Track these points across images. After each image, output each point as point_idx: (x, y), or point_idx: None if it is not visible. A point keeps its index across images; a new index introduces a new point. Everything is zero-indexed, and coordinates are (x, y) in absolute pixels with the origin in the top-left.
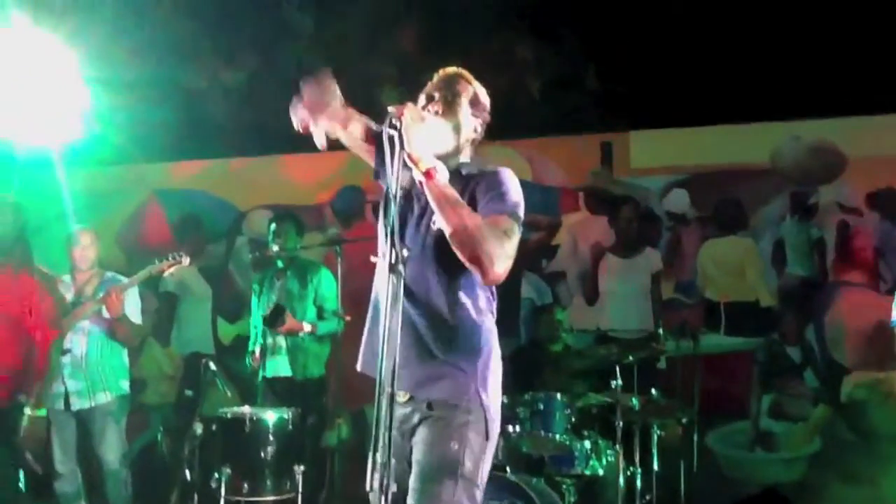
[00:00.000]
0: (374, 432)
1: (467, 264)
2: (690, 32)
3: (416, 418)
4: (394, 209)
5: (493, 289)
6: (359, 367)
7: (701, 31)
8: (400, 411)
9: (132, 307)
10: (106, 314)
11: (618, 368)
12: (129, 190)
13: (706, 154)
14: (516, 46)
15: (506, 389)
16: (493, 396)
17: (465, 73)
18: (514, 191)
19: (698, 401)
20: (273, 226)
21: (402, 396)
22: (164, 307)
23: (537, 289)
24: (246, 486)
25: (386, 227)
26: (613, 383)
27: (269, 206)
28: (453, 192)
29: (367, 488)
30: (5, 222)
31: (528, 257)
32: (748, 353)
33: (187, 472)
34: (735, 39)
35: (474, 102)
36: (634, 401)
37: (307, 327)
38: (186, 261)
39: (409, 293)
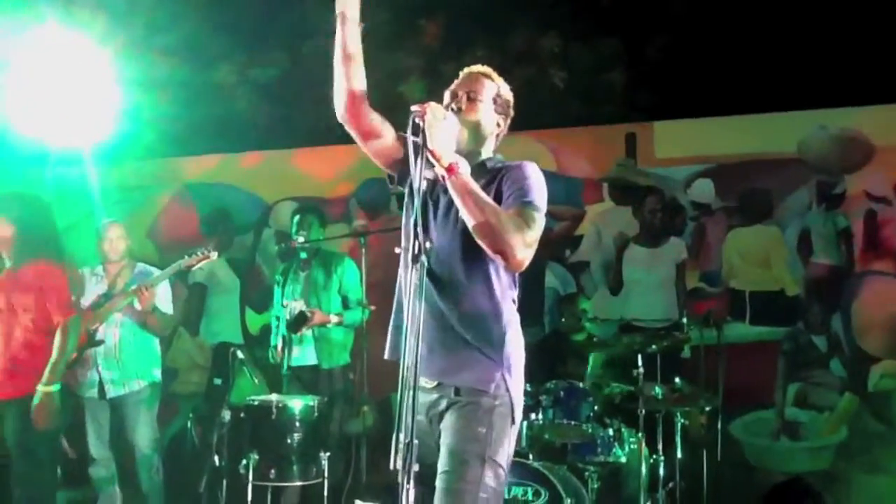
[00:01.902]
0: (397, 415)
1: (491, 254)
2: (715, 22)
3: (443, 404)
4: (417, 203)
5: (516, 277)
6: (386, 355)
7: (726, 21)
8: (428, 397)
9: (163, 298)
10: (137, 306)
11: (640, 357)
12: (160, 184)
13: (731, 144)
14: (541, 38)
15: (529, 378)
16: (518, 382)
17: (489, 70)
18: (538, 183)
19: (723, 390)
20: (296, 218)
21: (429, 383)
22: (194, 298)
23: (561, 279)
24: (273, 471)
25: (409, 221)
26: (635, 372)
27: (296, 198)
28: (475, 186)
29: (391, 467)
30: (38, 220)
31: (552, 247)
32: (774, 342)
33: (216, 458)
34: (761, 29)
35: (497, 100)
36: (658, 389)
37: (334, 319)
38: (214, 255)
39: (436, 283)
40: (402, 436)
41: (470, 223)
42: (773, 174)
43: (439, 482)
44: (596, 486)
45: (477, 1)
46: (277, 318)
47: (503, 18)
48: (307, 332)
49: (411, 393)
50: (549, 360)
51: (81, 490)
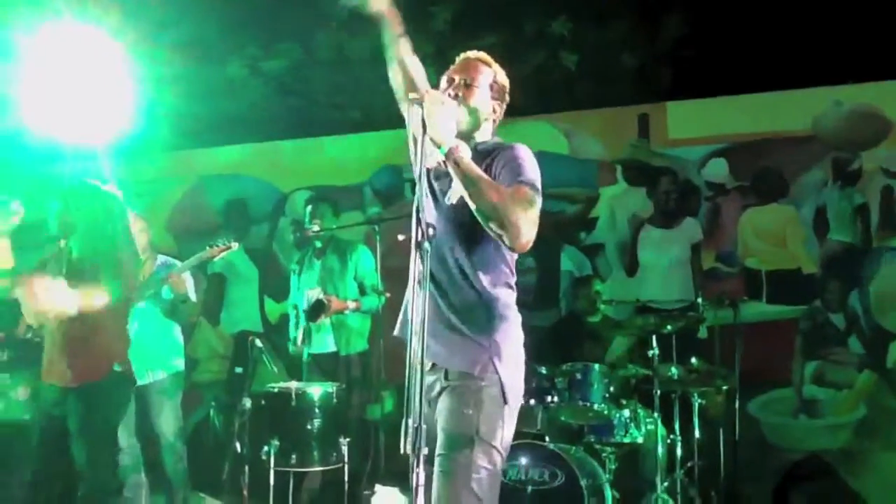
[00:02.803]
0: (405, 400)
1: (495, 235)
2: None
3: (438, 387)
4: (419, 190)
5: (513, 264)
6: (395, 332)
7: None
8: (427, 380)
9: (189, 287)
10: (166, 295)
11: (654, 338)
12: (176, 177)
13: (745, 123)
14: (552, 22)
15: (545, 360)
16: (510, 365)
17: (485, 56)
18: (531, 164)
19: (740, 369)
20: (309, 207)
21: (428, 366)
22: (213, 288)
23: (576, 261)
24: (294, 457)
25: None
26: (650, 353)
27: (311, 187)
28: (476, 169)
29: (402, 451)
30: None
31: (566, 230)
32: (791, 321)
33: (238, 445)
34: (773, 6)
35: (493, 86)
36: (674, 370)
37: (352, 304)
38: (236, 245)
39: (431, 269)
40: (410, 420)
41: (473, 205)
42: (787, 152)
43: (435, 464)
44: (613, 466)
45: None
46: (295, 307)
47: (514, 2)
48: (325, 321)
49: (417, 378)
50: (564, 342)
51: None
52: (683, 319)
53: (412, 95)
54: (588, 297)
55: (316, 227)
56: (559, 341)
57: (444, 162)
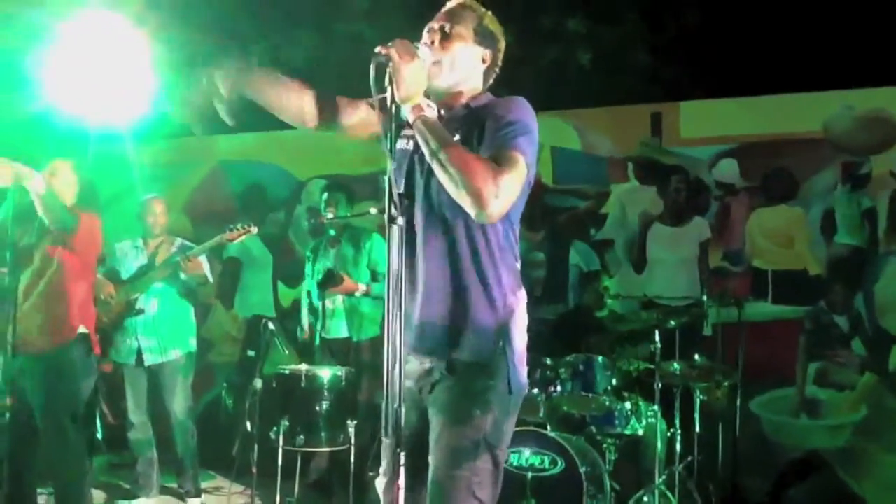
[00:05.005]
0: (385, 385)
1: (459, 202)
2: (741, 2)
3: (436, 375)
4: (390, 161)
5: (514, 235)
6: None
7: (751, 1)
8: (420, 366)
9: (206, 269)
10: (183, 276)
11: (657, 332)
12: (196, 161)
13: (756, 124)
14: (567, 19)
15: (551, 353)
16: (517, 349)
17: (472, 1)
18: (520, 121)
19: (743, 366)
20: (325, 195)
21: (420, 355)
22: (228, 272)
23: (585, 256)
24: (302, 437)
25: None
26: (652, 347)
27: (327, 175)
28: (441, 130)
29: (382, 436)
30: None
31: (577, 225)
32: (796, 321)
33: (248, 425)
34: (786, 9)
35: (479, 31)
36: (676, 365)
37: (362, 287)
38: (255, 230)
39: (424, 250)
40: (389, 404)
41: (435, 169)
42: (797, 154)
43: (432, 475)
44: (614, 457)
45: None
46: (308, 294)
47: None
48: (339, 305)
49: (394, 363)
50: (571, 335)
51: (120, 454)
52: (686, 315)
53: (377, 49)
54: (596, 292)
55: (330, 215)
56: (565, 334)
57: (408, 123)
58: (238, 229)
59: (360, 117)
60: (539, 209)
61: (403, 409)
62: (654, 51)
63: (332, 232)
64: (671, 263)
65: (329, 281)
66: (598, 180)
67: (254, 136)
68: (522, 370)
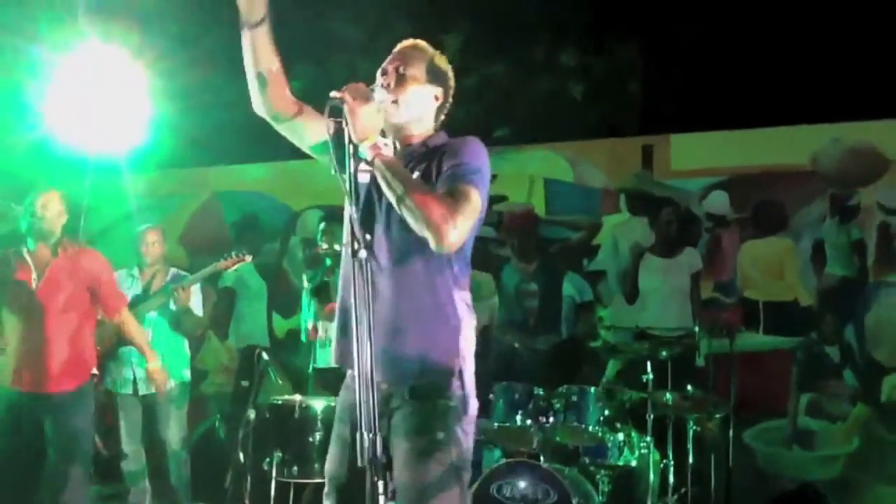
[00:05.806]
0: (358, 414)
1: (419, 233)
2: (730, 37)
3: (395, 402)
4: (349, 194)
5: (465, 262)
6: (333, 361)
7: (741, 36)
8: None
9: (195, 301)
10: (173, 306)
11: (649, 363)
12: (192, 192)
13: (746, 156)
14: (560, 52)
15: (545, 383)
16: (470, 371)
17: (421, 43)
18: (475, 160)
19: (735, 397)
20: (322, 225)
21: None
22: (223, 302)
23: (578, 287)
24: (295, 468)
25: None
26: (644, 378)
27: (322, 206)
28: (400, 169)
29: (359, 464)
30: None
31: (570, 257)
32: (787, 352)
33: (241, 455)
34: (776, 43)
35: (431, 70)
36: (668, 396)
37: None
38: (250, 258)
39: (385, 281)
40: (365, 434)
41: (396, 206)
42: (787, 186)
43: (400, 486)
44: (607, 489)
45: (496, 16)
46: (307, 322)
47: (522, 33)
48: (330, 335)
49: (365, 393)
50: (564, 366)
51: (114, 485)
52: (678, 346)
53: (332, 94)
54: (589, 323)
55: (325, 246)
56: (559, 364)
57: (367, 161)
58: (232, 257)
59: (315, 126)
60: (532, 240)
61: (379, 439)
62: (645, 84)
63: (328, 262)
64: (663, 294)
65: (324, 291)
66: (591, 212)
67: (249, 166)
68: (474, 392)
